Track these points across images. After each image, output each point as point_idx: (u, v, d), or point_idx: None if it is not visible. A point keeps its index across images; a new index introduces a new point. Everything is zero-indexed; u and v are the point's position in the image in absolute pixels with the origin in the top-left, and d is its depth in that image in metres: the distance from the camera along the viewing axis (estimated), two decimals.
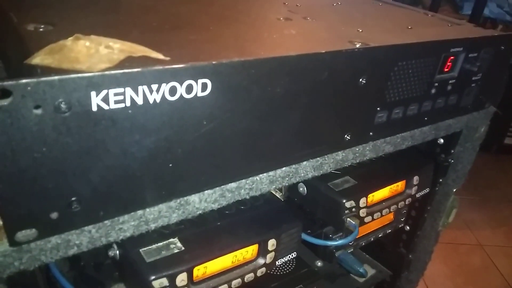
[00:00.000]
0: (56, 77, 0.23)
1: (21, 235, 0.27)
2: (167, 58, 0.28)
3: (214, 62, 0.29)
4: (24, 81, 0.22)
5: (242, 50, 0.33)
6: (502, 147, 2.29)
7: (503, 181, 2.15)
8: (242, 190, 0.38)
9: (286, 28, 0.42)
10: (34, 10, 0.36)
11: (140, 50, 0.26)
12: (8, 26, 0.34)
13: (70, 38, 0.27)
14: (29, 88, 0.23)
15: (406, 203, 0.61)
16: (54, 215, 0.27)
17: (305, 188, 0.56)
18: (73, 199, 0.27)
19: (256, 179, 0.38)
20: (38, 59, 0.25)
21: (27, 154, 0.24)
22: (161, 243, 0.41)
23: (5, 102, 0.22)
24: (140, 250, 0.40)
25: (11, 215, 0.26)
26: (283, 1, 0.55)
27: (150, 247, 0.41)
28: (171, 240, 0.42)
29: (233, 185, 0.37)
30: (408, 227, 0.74)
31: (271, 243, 0.46)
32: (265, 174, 0.38)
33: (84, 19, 0.36)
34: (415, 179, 0.61)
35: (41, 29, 0.31)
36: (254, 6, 0.51)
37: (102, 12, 0.38)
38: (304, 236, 0.53)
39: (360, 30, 0.45)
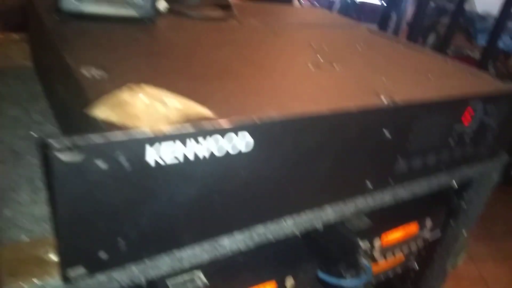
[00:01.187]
0: (122, 137, 0.26)
1: (72, 272, 0.29)
2: (216, 116, 0.30)
3: (258, 122, 0.31)
4: (95, 139, 0.25)
5: (280, 105, 0.35)
6: (508, 179, 2.29)
7: (509, 215, 2.15)
8: (268, 233, 0.40)
9: (317, 78, 0.44)
10: (85, 51, 0.38)
11: (192, 109, 0.29)
12: (61, 67, 0.36)
13: (125, 90, 0.30)
14: (98, 145, 0.25)
15: (418, 245, 0.63)
16: (103, 254, 0.29)
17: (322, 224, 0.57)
18: (121, 240, 0.30)
19: (282, 223, 0.40)
20: (100, 112, 0.27)
21: (88, 201, 0.27)
22: (186, 276, 0.43)
23: (76, 157, 0.25)
24: (167, 281, 0.42)
25: (66, 254, 0.28)
26: (309, 42, 0.57)
27: (176, 279, 0.43)
28: (195, 272, 0.44)
29: (260, 228, 0.39)
30: (417, 266, 0.75)
31: (289, 281, 0.48)
32: (290, 219, 0.40)
33: (132, 62, 0.38)
34: (428, 222, 0.62)
35: (95, 75, 0.34)
36: (284, 48, 0.54)
37: (147, 54, 0.41)
38: (319, 274, 0.54)
39: (385, 80, 0.47)
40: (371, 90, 0.42)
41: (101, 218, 0.28)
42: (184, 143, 0.29)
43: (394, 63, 0.58)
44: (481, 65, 1.88)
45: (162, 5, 0.50)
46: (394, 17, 2.69)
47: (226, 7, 0.63)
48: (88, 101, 0.30)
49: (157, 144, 0.27)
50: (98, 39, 0.42)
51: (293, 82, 0.42)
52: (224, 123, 0.30)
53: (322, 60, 0.50)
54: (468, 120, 0.51)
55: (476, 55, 2.28)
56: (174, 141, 0.28)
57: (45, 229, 0.33)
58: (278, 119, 0.33)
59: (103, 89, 0.31)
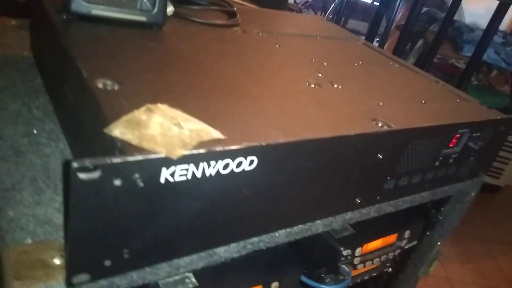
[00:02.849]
0: (139, 158, 0.27)
1: (77, 278, 0.30)
2: (225, 137, 0.32)
3: (263, 144, 0.33)
4: (113, 160, 0.26)
5: (284, 128, 0.37)
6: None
7: (477, 219, 2.24)
8: (261, 243, 0.42)
9: (317, 98, 0.46)
10: (99, 61, 0.39)
11: (205, 132, 0.30)
12: (76, 78, 0.37)
13: (143, 110, 0.31)
14: (116, 165, 0.26)
15: (395, 253, 0.66)
16: (108, 262, 0.31)
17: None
18: (125, 250, 0.31)
19: (275, 234, 0.42)
20: (117, 132, 0.28)
21: (100, 215, 0.28)
22: (177, 277, 0.45)
23: (94, 176, 0.26)
24: (160, 282, 0.44)
25: (74, 262, 0.29)
26: (311, 58, 0.59)
27: (168, 280, 0.44)
28: (187, 274, 0.46)
29: (255, 239, 0.41)
30: (390, 269, 0.79)
31: (274, 286, 0.50)
32: (283, 230, 0.43)
33: (144, 76, 0.39)
34: (407, 233, 0.66)
35: (109, 87, 0.35)
36: (287, 63, 0.55)
37: (158, 67, 0.42)
38: (303, 278, 0.57)
39: (381, 104, 0.49)
40: (368, 116, 0.44)
41: (110, 231, 0.29)
42: (193, 163, 0.30)
43: (390, 85, 0.60)
44: (465, 75, 1.93)
45: (168, 9, 0.51)
46: (385, 19, 2.72)
47: (232, 14, 0.64)
48: (106, 119, 0.30)
49: (168, 164, 0.29)
50: (110, 47, 0.43)
51: (296, 103, 0.43)
52: (235, 147, 0.31)
53: (322, 79, 0.52)
54: (454, 144, 0.54)
55: (461, 65, 2.33)
56: (185, 161, 0.29)
57: (48, 232, 0.34)
58: (283, 143, 0.34)
59: (120, 106, 0.32)
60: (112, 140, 0.29)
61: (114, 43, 0.44)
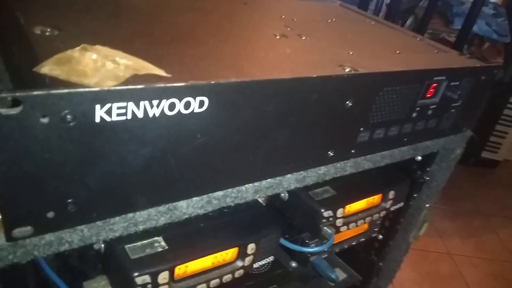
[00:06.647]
0: (64, 91, 0.25)
1: (18, 231, 0.28)
2: (169, 75, 0.30)
3: (212, 82, 0.31)
4: (34, 93, 0.24)
5: (238, 70, 0.35)
6: (478, 160, 2.36)
7: (476, 194, 2.23)
8: (228, 198, 0.40)
9: (281, 47, 0.44)
10: (40, 11, 0.37)
11: (144, 67, 0.28)
12: (15, 26, 0.35)
13: (77, 49, 0.29)
14: (38, 99, 0.24)
15: (381, 215, 0.64)
16: (51, 214, 0.29)
17: (286, 194, 0.58)
18: (69, 200, 0.29)
19: (242, 188, 0.40)
20: (46, 69, 0.26)
21: (31, 158, 0.26)
22: (145, 241, 0.43)
23: (15, 111, 0.24)
24: (126, 246, 0.42)
25: (10, 213, 0.28)
26: (280, 15, 0.57)
27: (135, 244, 0.43)
28: (156, 238, 0.44)
29: (219, 193, 0.39)
30: (380, 236, 0.77)
31: (250, 247, 0.48)
32: (250, 184, 0.41)
33: (89, 23, 0.37)
34: (391, 194, 0.64)
35: (47, 33, 0.33)
36: (253, 18, 0.53)
37: (107, 17, 0.40)
38: (282, 241, 0.55)
39: (351, 53, 0.47)
40: (335, 62, 0.42)
41: (46, 176, 0.27)
42: (132, 100, 0.28)
43: (363, 37, 0.58)
44: (455, 48, 1.90)
45: None
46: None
47: None
48: (37, 60, 0.28)
49: (101, 100, 0.26)
50: (57, 1, 0.40)
51: (256, 50, 0.41)
52: (180, 85, 0.29)
53: (290, 32, 0.50)
54: (432, 94, 0.52)
55: (452, 38, 2.30)
56: (121, 97, 0.27)
57: None
58: (235, 83, 0.32)
59: (55, 48, 0.30)
60: (41, 77, 0.27)
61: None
